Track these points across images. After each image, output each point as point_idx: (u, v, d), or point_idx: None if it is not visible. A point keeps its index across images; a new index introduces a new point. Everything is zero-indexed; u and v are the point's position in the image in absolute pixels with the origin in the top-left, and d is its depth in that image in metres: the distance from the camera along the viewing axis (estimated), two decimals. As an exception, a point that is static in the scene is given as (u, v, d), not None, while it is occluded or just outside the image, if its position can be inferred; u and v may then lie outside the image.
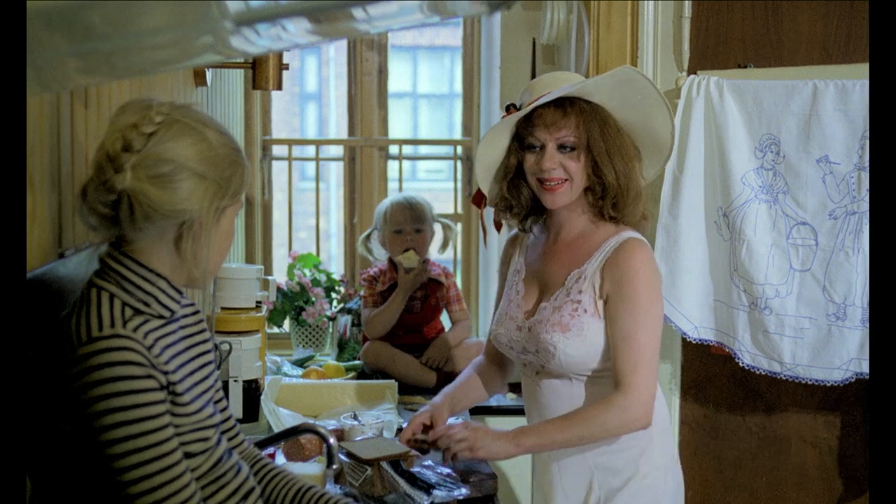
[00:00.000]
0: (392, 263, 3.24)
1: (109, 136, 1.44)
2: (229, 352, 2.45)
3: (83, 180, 1.62)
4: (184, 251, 1.45)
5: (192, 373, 1.52)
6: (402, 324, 3.19)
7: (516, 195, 2.12)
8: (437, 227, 3.31)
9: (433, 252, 3.34)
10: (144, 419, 1.38)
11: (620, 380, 1.96)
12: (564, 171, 2.03)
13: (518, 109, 2.07)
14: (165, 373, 1.43)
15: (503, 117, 2.08)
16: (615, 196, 2.04)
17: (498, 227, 2.24)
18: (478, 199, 2.23)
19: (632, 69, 2.07)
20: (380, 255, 3.31)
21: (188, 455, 1.48)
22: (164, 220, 1.43)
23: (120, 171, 1.41)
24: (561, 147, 2.02)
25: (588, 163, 2.03)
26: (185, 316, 1.58)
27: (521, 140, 2.07)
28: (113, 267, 1.46)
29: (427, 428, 2.08)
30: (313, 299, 3.46)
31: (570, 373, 2.04)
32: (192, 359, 1.54)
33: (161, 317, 1.47)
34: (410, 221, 3.18)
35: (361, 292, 3.30)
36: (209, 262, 1.49)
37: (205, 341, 1.61)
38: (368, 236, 3.33)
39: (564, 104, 2.02)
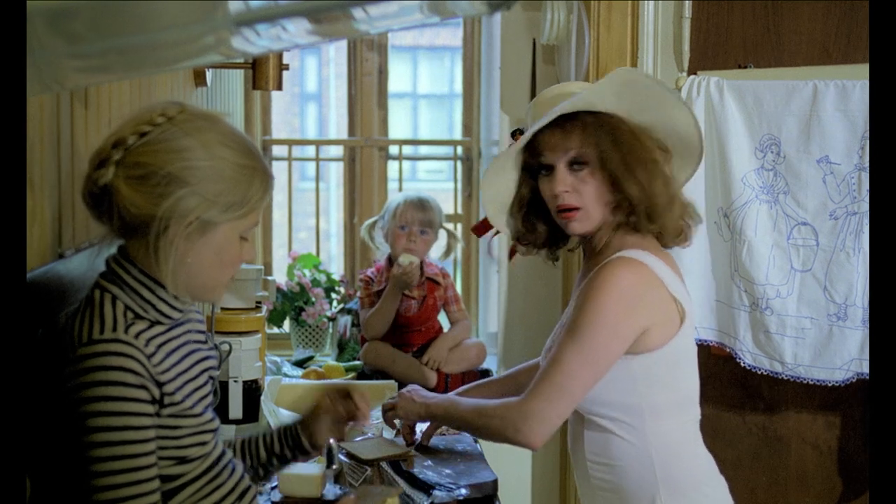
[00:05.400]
0: (390, 262, 3.23)
1: (112, 131, 1.44)
2: (229, 352, 2.45)
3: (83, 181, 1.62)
4: (159, 259, 1.42)
5: (194, 378, 1.52)
6: (400, 323, 3.18)
7: (531, 228, 1.99)
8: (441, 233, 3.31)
9: (434, 256, 3.34)
10: (127, 428, 1.37)
11: (528, 390, 1.84)
12: (578, 197, 1.86)
13: (523, 134, 1.92)
14: (161, 384, 1.42)
15: (510, 145, 1.95)
16: (646, 209, 1.85)
17: (511, 254, 2.10)
18: (480, 229, 2.12)
19: (629, 70, 1.94)
20: (381, 245, 3.31)
21: (185, 460, 1.48)
22: (139, 223, 1.41)
23: (103, 166, 1.41)
24: (572, 164, 1.87)
25: (605, 180, 1.86)
26: (194, 321, 1.58)
27: (531, 168, 1.93)
28: (116, 270, 1.46)
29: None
30: (313, 300, 3.46)
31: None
32: (196, 363, 1.54)
33: (161, 323, 1.47)
34: (418, 222, 3.17)
35: (359, 293, 3.30)
36: (191, 277, 1.46)
37: (206, 346, 1.61)
38: (374, 224, 3.32)
39: (564, 123, 1.87)
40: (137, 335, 1.41)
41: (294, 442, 1.78)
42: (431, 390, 3.05)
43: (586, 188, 1.86)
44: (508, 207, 2.00)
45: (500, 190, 1.99)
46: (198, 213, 1.41)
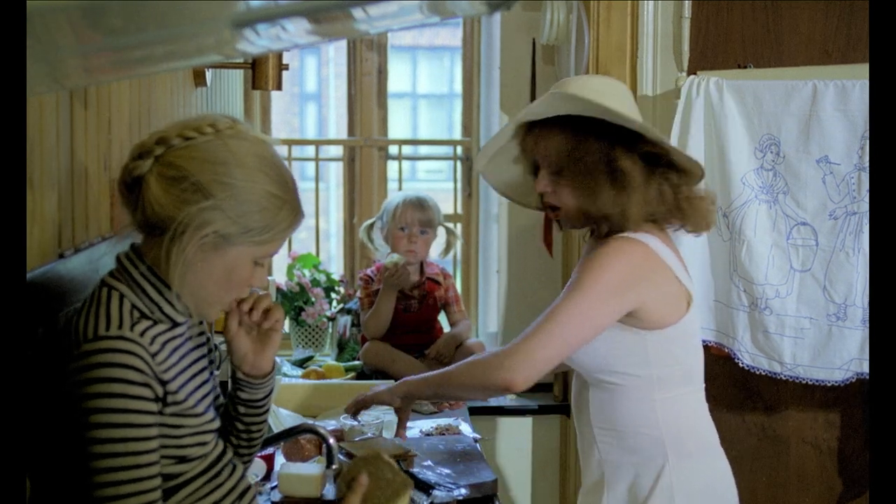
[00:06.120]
0: (390, 261, 3.23)
1: (161, 128, 1.47)
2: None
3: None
4: (169, 262, 1.42)
5: (195, 375, 1.52)
6: (400, 323, 3.18)
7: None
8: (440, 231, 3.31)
9: (434, 255, 3.34)
10: (129, 426, 1.37)
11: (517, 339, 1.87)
12: (557, 199, 1.93)
13: None
14: (165, 382, 1.43)
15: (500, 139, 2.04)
16: (616, 224, 1.89)
17: (549, 246, 2.12)
18: (549, 242, 2.13)
19: (558, 92, 1.90)
20: (380, 246, 3.31)
21: (185, 459, 1.48)
22: (158, 221, 1.42)
23: (142, 158, 1.43)
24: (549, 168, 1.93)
25: (577, 187, 1.90)
26: (195, 322, 1.58)
27: None
28: (126, 267, 1.47)
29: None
30: (313, 300, 3.46)
31: (575, 370, 1.99)
32: (196, 361, 1.54)
33: (165, 322, 1.47)
34: (418, 222, 3.17)
35: (359, 293, 3.30)
36: (196, 287, 1.45)
37: (207, 346, 1.61)
38: (372, 225, 3.33)
39: (534, 127, 1.94)
40: (142, 333, 1.42)
41: (232, 374, 1.68)
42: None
43: (562, 192, 1.92)
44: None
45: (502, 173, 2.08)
46: (215, 228, 1.42)
